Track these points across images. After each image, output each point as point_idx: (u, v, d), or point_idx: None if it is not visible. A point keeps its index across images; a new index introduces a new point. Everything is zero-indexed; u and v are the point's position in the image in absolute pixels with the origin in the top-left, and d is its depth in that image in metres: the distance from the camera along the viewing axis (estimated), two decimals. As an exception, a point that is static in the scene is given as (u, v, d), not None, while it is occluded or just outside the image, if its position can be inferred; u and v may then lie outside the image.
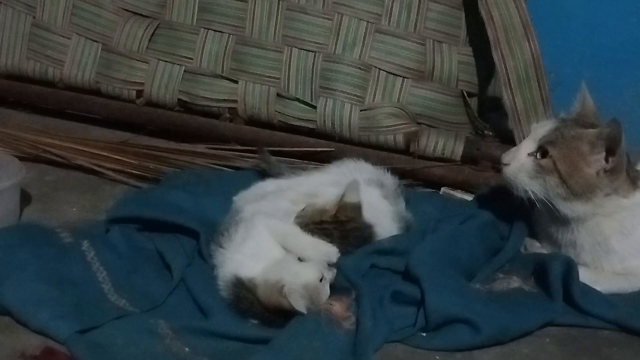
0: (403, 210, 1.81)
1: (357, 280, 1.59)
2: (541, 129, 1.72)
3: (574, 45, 2.31)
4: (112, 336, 1.46)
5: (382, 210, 1.75)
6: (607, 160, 1.67)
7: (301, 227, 1.62)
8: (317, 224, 1.63)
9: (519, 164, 1.71)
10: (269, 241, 1.60)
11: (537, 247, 1.81)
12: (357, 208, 1.67)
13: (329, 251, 1.61)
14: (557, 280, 1.64)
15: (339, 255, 1.61)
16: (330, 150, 2.10)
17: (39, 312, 1.49)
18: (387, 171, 1.88)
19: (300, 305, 1.49)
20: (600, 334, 1.60)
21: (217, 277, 1.60)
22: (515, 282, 1.70)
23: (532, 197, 1.69)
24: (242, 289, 1.54)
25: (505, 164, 1.73)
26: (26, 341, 1.46)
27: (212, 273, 1.63)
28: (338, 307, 1.52)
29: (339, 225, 1.64)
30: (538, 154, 1.69)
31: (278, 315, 1.51)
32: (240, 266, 1.56)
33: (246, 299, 1.53)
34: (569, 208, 1.69)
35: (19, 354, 1.42)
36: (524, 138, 1.83)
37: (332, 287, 1.58)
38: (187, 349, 1.45)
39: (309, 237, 1.61)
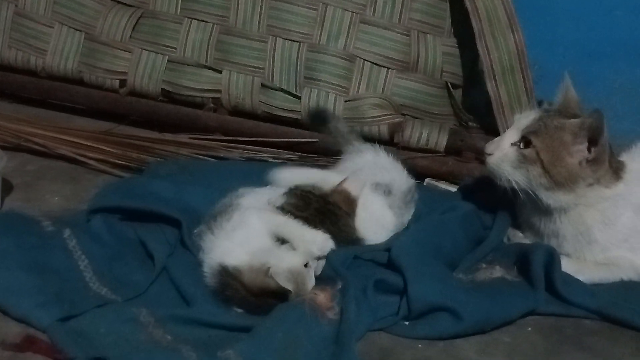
0: (407, 221, 1.79)
1: (343, 271, 1.60)
2: (524, 119, 1.73)
3: (559, 38, 2.30)
4: (93, 324, 1.46)
5: (383, 223, 1.74)
6: (589, 150, 1.68)
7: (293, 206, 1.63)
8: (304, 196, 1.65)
9: (502, 153, 1.72)
10: (260, 232, 1.59)
11: (519, 237, 1.82)
12: (351, 201, 1.67)
13: (322, 239, 1.60)
14: (539, 270, 1.65)
15: (332, 245, 1.61)
16: (314, 141, 2.10)
17: (20, 300, 1.48)
18: (404, 170, 1.86)
19: (287, 284, 1.49)
20: (583, 324, 1.61)
21: (202, 264, 1.59)
22: (498, 272, 1.71)
23: (515, 187, 1.70)
24: (228, 276, 1.54)
25: (489, 154, 1.73)
26: (6, 329, 1.45)
27: (195, 262, 1.63)
28: (322, 297, 1.53)
29: (323, 203, 1.64)
30: (521, 144, 1.70)
31: (263, 302, 1.51)
32: (227, 254, 1.56)
33: (231, 286, 1.53)
34: (552, 198, 1.70)
35: (0, 342, 1.42)
36: (507, 129, 1.84)
37: (317, 277, 1.59)
38: (169, 337, 1.45)
39: (302, 227, 1.61)
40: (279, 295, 1.50)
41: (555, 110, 1.75)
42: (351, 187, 1.69)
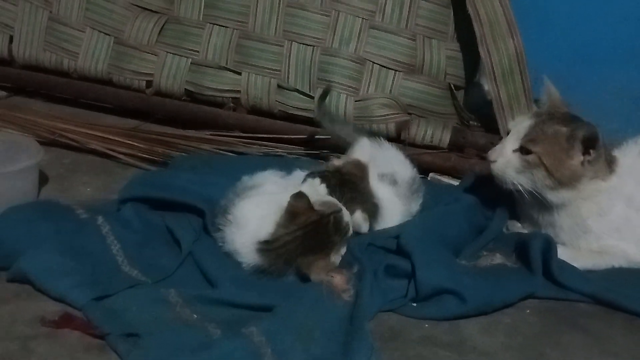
0: (415, 210, 1.79)
1: (360, 256, 1.61)
2: (521, 126, 1.73)
3: (554, 43, 2.31)
4: (125, 303, 1.47)
5: (393, 211, 1.75)
6: (588, 153, 1.68)
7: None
8: (321, 174, 1.67)
9: (506, 160, 1.71)
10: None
11: (518, 228, 1.83)
12: (362, 166, 1.69)
13: (362, 218, 1.65)
14: (537, 257, 1.65)
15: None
16: (326, 138, 2.10)
17: (58, 281, 1.49)
18: (406, 161, 1.88)
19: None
20: (577, 306, 1.62)
21: (238, 248, 1.59)
22: (498, 259, 1.71)
23: (521, 189, 1.70)
24: (266, 248, 1.55)
25: (493, 161, 1.73)
26: (46, 308, 1.46)
27: (218, 247, 1.64)
28: (339, 280, 1.53)
29: (339, 175, 1.67)
30: (523, 150, 1.70)
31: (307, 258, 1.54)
32: (258, 231, 1.57)
33: (280, 249, 1.55)
34: (556, 196, 1.70)
35: (39, 319, 1.43)
36: (507, 128, 1.84)
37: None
38: (195, 316, 1.46)
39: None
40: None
41: (546, 113, 1.75)
42: (358, 155, 1.72)
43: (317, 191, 1.63)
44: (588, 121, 1.72)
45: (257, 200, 1.63)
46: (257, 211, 1.60)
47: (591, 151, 1.68)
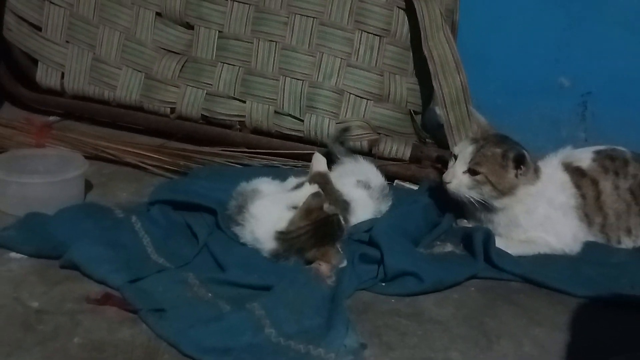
0: (384, 209, 1.79)
1: (344, 251, 1.60)
2: (465, 151, 1.72)
3: (492, 78, 2.31)
4: (154, 285, 1.47)
5: (366, 207, 1.75)
6: (519, 168, 1.69)
7: None
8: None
9: (458, 181, 1.71)
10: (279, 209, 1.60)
11: (464, 223, 1.83)
12: (322, 175, 1.69)
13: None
14: (479, 246, 1.67)
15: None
16: (313, 153, 2.09)
17: (99, 267, 1.49)
18: (378, 171, 1.87)
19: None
20: (511, 285, 1.63)
21: (259, 237, 1.58)
22: (449, 247, 1.72)
23: (473, 201, 1.71)
24: (286, 237, 1.54)
25: (448, 182, 1.72)
26: (89, 288, 1.47)
27: (228, 239, 1.63)
28: (324, 268, 1.53)
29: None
30: (471, 171, 1.70)
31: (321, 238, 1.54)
32: (277, 223, 1.56)
33: (295, 239, 1.54)
34: (500, 203, 1.71)
35: (85, 298, 1.43)
36: (453, 149, 1.84)
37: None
38: (210, 295, 1.46)
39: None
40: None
41: (481, 138, 1.74)
42: (317, 168, 1.73)
43: None
44: (515, 141, 1.73)
45: (273, 199, 1.63)
46: (273, 208, 1.59)
47: (522, 166, 1.69)
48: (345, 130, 2.03)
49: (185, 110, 2.24)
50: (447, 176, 1.74)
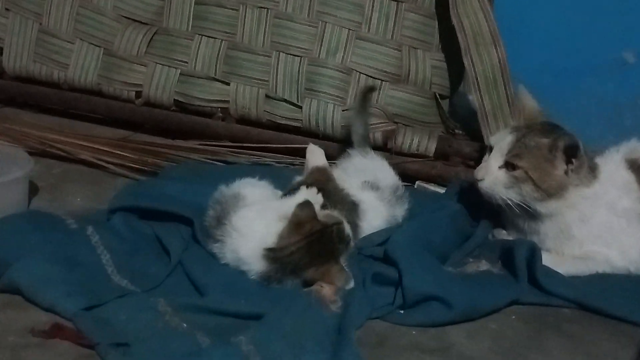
0: (400, 215, 1.79)
1: (352, 269, 1.59)
2: (503, 142, 1.72)
3: (535, 54, 2.31)
4: (115, 313, 1.45)
5: (376, 212, 1.75)
6: (571, 162, 1.68)
7: None
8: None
9: (493, 177, 1.71)
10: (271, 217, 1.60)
11: (503, 235, 1.83)
12: (322, 170, 1.70)
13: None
14: (522, 264, 1.65)
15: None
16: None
17: (48, 290, 1.48)
18: (390, 169, 1.88)
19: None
20: (561, 312, 1.62)
21: (243, 256, 1.58)
22: (484, 265, 1.71)
23: (510, 203, 1.70)
24: (276, 255, 1.54)
25: (480, 180, 1.72)
26: (36, 318, 1.45)
27: (207, 256, 1.63)
28: (328, 290, 1.52)
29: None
30: (509, 166, 1.70)
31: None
32: (263, 239, 1.56)
33: (286, 258, 1.54)
34: (545, 207, 1.70)
35: (30, 329, 1.42)
36: (488, 140, 1.84)
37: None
38: (184, 325, 1.44)
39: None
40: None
41: (525, 126, 1.74)
42: (313, 162, 1.73)
43: (315, 200, 1.62)
44: (567, 131, 1.73)
45: (260, 209, 1.62)
46: (261, 219, 1.59)
47: (573, 160, 1.68)
48: (371, 90, 2.02)
49: (155, 94, 2.24)
50: (479, 172, 1.73)
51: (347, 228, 1.61)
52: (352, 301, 1.51)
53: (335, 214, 1.61)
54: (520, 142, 1.70)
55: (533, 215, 1.72)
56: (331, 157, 1.93)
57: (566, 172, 1.69)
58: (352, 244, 1.63)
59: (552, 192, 1.69)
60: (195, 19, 2.22)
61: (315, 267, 1.54)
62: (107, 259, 1.61)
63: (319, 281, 1.53)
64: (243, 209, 1.63)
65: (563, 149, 1.67)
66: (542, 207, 1.70)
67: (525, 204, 1.70)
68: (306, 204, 1.56)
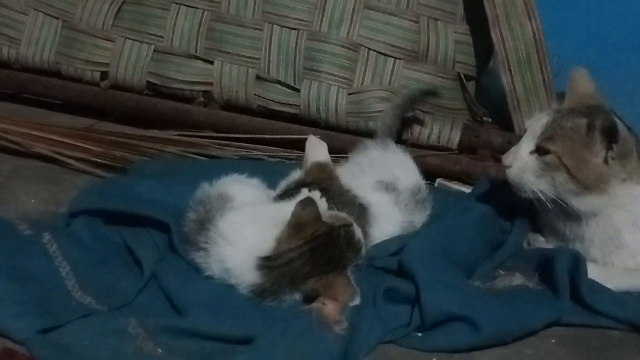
0: (419, 222, 1.80)
1: (359, 284, 1.59)
2: (537, 124, 1.73)
3: (578, 27, 2.32)
4: (77, 336, 1.45)
5: (390, 218, 1.76)
6: (611, 148, 1.68)
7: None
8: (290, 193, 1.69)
9: (522, 163, 1.72)
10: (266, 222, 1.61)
11: (541, 242, 1.83)
12: (323, 167, 1.72)
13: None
14: (563, 277, 1.65)
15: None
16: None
17: (-4, 310, 1.48)
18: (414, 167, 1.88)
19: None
20: (610, 335, 1.61)
21: (231, 267, 1.58)
22: (518, 279, 1.71)
23: (542, 197, 1.70)
24: (273, 264, 1.54)
25: (508, 166, 1.73)
26: (-17, 342, 1.45)
27: (187, 267, 1.63)
28: (331, 309, 1.52)
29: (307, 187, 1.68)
30: (540, 150, 1.70)
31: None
32: (256, 246, 1.56)
33: (285, 267, 1.54)
34: (584, 203, 1.70)
35: (-24, 356, 1.42)
36: (523, 125, 1.84)
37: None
38: (160, 350, 1.45)
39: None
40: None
41: (567, 109, 1.75)
42: (313, 157, 1.75)
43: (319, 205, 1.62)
44: (613, 114, 1.72)
45: (251, 211, 1.63)
46: (253, 224, 1.59)
47: (614, 145, 1.68)
48: (431, 94, 2.06)
49: (124, 75, 2.25)
50: (506, 158, 1.74)
51: (358, 232, 1.61)
52: (360, 322, 1.51)
53: (343, 214, 1.60)
54: (555, 123, 1.71)
55: (573, 217, 1.72)
56: (334, 151, 1.92)
57: (606, 160, 1.69)
58: (363, 251, 1.63)
59: (591, 185, 1.68)
60: (173, -15, 2.23)
61: (317, 279, 1.53)
62: (67, 271, 1.61)
63: (319, 295, 1.53)
64: (231, 211, 1.63)
65: (600, 129, 1.67)
66: (580, 204, 1.70)
67: (559, 199, 1.70)
68: (308, 202, 1.56)
